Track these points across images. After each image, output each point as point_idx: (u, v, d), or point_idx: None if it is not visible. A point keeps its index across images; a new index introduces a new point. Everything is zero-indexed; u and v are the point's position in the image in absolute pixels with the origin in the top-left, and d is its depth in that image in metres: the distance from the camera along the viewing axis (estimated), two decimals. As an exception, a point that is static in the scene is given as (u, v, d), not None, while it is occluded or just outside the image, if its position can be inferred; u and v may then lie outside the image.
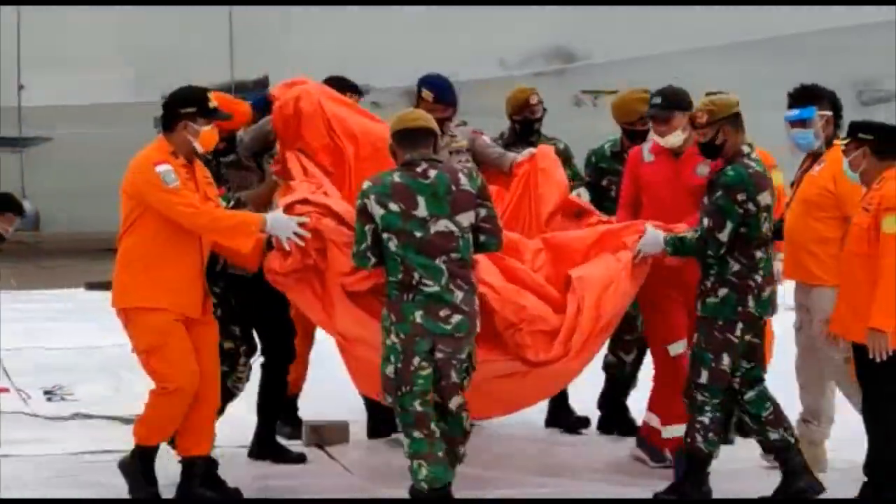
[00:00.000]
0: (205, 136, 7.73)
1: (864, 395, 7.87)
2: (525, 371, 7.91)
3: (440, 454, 7.40)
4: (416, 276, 7.36)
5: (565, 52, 20.03)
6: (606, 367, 9.56)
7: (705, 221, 7.78)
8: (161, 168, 7.53)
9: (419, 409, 7.40)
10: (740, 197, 7.70)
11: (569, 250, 8.32)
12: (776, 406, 7.93)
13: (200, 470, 7.80)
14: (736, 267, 7.78)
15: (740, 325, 7.82)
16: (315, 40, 18.97)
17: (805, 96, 8.52)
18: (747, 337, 7.85)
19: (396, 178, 7.46)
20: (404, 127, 7.61)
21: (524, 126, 9.98)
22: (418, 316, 7.37)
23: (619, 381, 9.67)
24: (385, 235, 7.39)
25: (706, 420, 7.84)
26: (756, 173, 7.80)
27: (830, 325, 7.93)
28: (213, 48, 18.54)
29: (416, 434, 7.39)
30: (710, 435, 7.86)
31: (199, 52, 18.21)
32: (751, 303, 7.80)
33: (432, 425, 7.43)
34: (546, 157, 9.03)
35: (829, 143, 8.35)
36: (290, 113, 8.39)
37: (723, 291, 7.79)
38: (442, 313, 7.38)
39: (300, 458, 8.84)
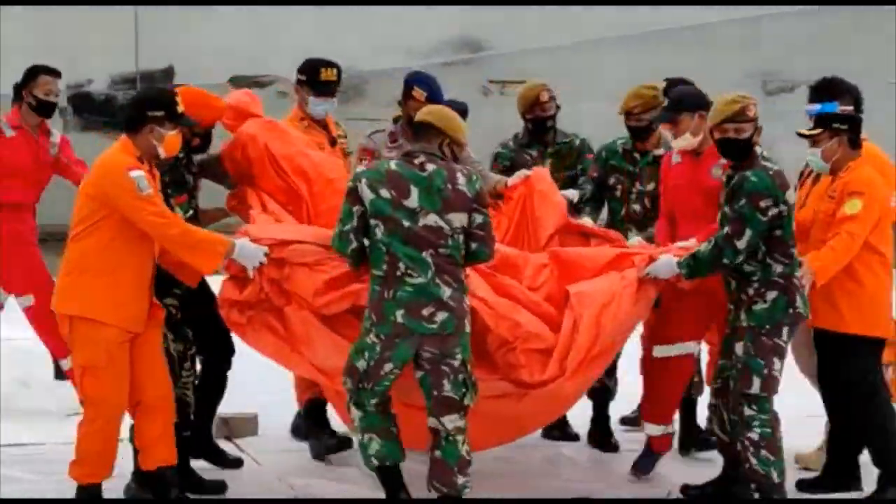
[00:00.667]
0: (169, 142, 7.47)
1: (821, 382, 8.07)
2: (520, 394, 7.61)
3: (394, 430, 7.32)
4: (402, 266, 7.20)
5: (472, 41, 20.05)
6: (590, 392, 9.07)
7: (726, 228, 7.54)
8: (135, 174, 7.27)
9: (373, 408, 7.32)
10: (763, 203, 7.48)
11: (578, 268, 8.05)
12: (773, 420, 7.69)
13: (173, 480, 7.61)
14: (779, 268, 7.57)
15: (786, 329, 7.60)
16: (222, 31, 18.91)
17: (827, 90, 8.43)
18: (789, 339, 7.66)
19: (392, 165, 7.40)
20: (419, 120, 7.61)
21: (536, 125, 9.71)
22: (399, 315, 7.19)
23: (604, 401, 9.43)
24: (373, 222, 7.26)
25: (755, 437, 7.54)
26: (777, 173, 7.59)
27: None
28: (119, 39, 18.42)
29: (370, 409, 7.31)
30: (764, 453, 7.54)
31: (105, 43, 18.08)
32: (798, 302, 7.62)
33: (388, 406, 7.36)
34: (542, 180, 8.83)
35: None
36: (238, 158, 8.27)
37: (771, 295, 7.56)
38: (426, 311, 7.19)
39: (237, 463, 8.68)
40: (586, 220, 8.99)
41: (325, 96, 8.97)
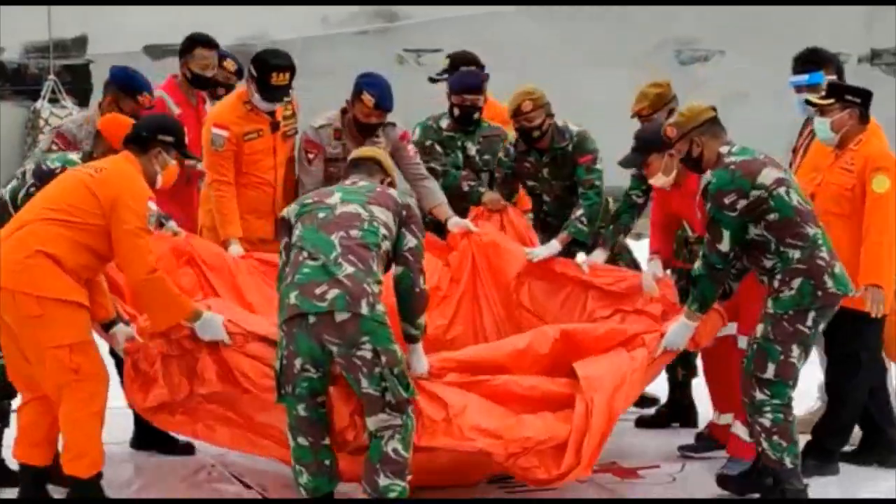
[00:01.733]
0: (169, 171, 7.32)
1: (830, 353, 8.04)
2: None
3: (326, 462, 6.97)
4: (305, 253, 6.90)
5: (387, 11, 20.06)
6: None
7: (706, 238, 7.37)
8: (152, 206, 7.09)
9: (302, 413, 6.93)
10: (727, 200, 7.24)
11: (585, 347, 7.67)
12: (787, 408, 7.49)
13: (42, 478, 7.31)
14: (797, 254, 7.28)
15: (812, 315, 7.31)
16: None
17: (811, 61, 8.41)
18: (819, 327, 7.42)
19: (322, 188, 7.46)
20: (352, 156, 7.55)
21: (523, 134, 8.99)
22: (293, 297, 6.84)
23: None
24: (296, 229, 7.06)
25: (766, 422, 7.34)
26: (740, 164, 7.32)
27: None
28: (31, 7, 18.28)
29: (301, 440, 6.95)
30: (776, 438, 7.34)
31: (17, 11, 17.95)
32: (829, 283, 7.29)
33: (319, 432, 6.96)
34: (487, 233, 8.60)
35: None
36: None
37: (796, 282, 7.28)
38: (318, 290, 6.80)
39: (187, 449, 8.45)
40: (584, 260, 8.74)
41: (275, 100, 8.92)
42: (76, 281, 6.95)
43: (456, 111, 9.49)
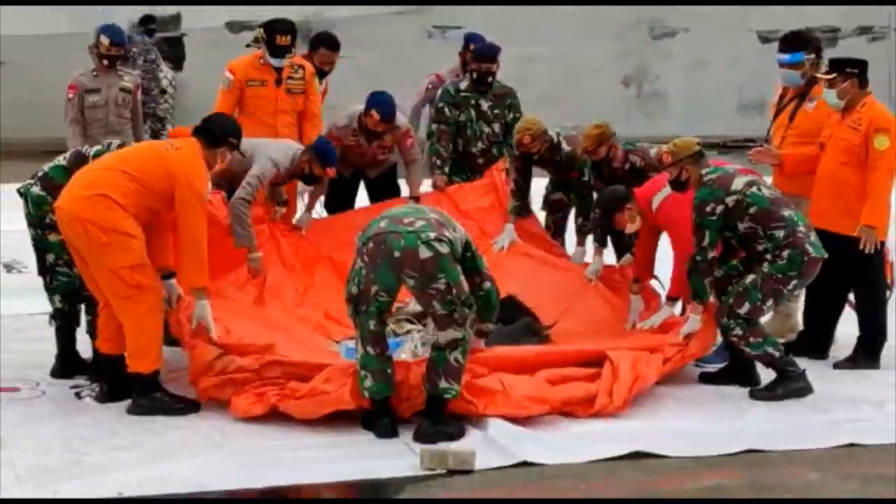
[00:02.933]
0: (221, 168, 7.25)
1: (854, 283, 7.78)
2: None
3: (388, 371, 6.50)
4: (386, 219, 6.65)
5: (419, -5, 19.88)
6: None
7: (694, 239, 7.20)
8: (209, 185, 7.01)
9: (373, 327, 6.49)
10: (709, 209, 7.14)
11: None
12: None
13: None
14: (781, 233, 7.15)
15: (795, 282, 7.23)
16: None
17: (795, 42, 8.20)
18: (797, 288, 7.34)
19: None
20: None
21: (523, 161, 8.67)
22: (383, 223, 6.51)
23: None
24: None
25: (739, 332, 7.15)
26: (715, 180, 7.20)
27: (812, 217, 7.57)
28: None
29: (370, 349, 6.51)
30: (752, 339, 7.17)
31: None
32: (811, 250, 7.17)
33: (385, 344, 6.57)
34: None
35: (814, 80, 8.08)
36: None
37: (786, 253, 7.14)
38: (406, 220, 6.50)
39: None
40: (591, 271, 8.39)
41: (279, 56, 8.83)
42: (135, 220, 6.81)
43: (474, 75, 9.37)
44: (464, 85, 9.40)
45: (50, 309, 7.52)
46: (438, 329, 6.51)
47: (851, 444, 6.52)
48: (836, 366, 7.80)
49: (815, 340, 7.97)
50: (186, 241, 6.89)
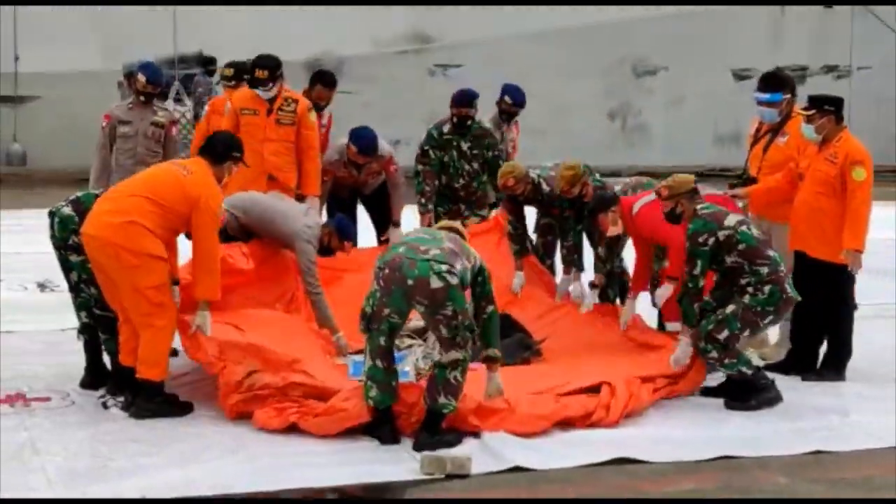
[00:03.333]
0: (226, 183, 7.18)
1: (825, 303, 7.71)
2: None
3: (393, 384, 6.43)
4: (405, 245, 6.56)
5: (423, 35, 19.90)
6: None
7: (686, 267, 7.21)
8: (223, 205, 7.08)
9: (382, 343, 6.43)
10: (701, 239, 7.13)
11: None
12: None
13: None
14: (765, 269, 7.14)
15: (770, 318, 7.21)
16: (237, 22, 18.69)
17: (773, 82, 8.19)
18: (770, 323, 7.27)
19: None
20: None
21: (513, 203, 8.73)
22: (401, 249, 6.45)
23: None
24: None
25: (714, 355, 7.12)
26: (708, 214, 7.23)
27: (791, 241, 7.70)
28: (162, 29, 18.17)
29: (378, 362, 6.43)
30: (727, 360, 7.11)
31: (150, 33, 17.84)
32: (788, 289, 7.19)
33: (392, 359, 6.50)
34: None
35: (786, 119, 8.07)
36: None
37: (767, 288, 7.12)
38: (423, 247, 6.42)
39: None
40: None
41: (259, 87, 8.85)
42: (161, 242, 6.84)
43: (455, 119, 9.46)
44: (446, 128, 9.49)
45: (78, 324, 7.51)
46: (443, 349, 6.46)
47: (819, 451, 6.50)
48: (805, 378, 7.78)
49: (802, 359, 7.91)
50: (204, 257, 6.92)
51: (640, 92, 20.68)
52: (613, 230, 7.96)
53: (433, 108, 19.22)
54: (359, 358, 7.35)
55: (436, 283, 6.33)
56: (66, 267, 7.37)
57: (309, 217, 8.00)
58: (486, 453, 6.23)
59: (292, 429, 6.56)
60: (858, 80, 21.18)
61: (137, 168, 8.23)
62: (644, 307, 8.26)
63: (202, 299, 6.99)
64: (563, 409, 6.73)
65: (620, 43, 19.98)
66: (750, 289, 7.17)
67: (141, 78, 8.98)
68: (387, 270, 6.42)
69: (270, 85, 8.84)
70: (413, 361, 7.40)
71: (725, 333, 7.12)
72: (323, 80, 9.47)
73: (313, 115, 9.06)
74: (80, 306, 7.38)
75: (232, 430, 6.56)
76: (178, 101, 18.00)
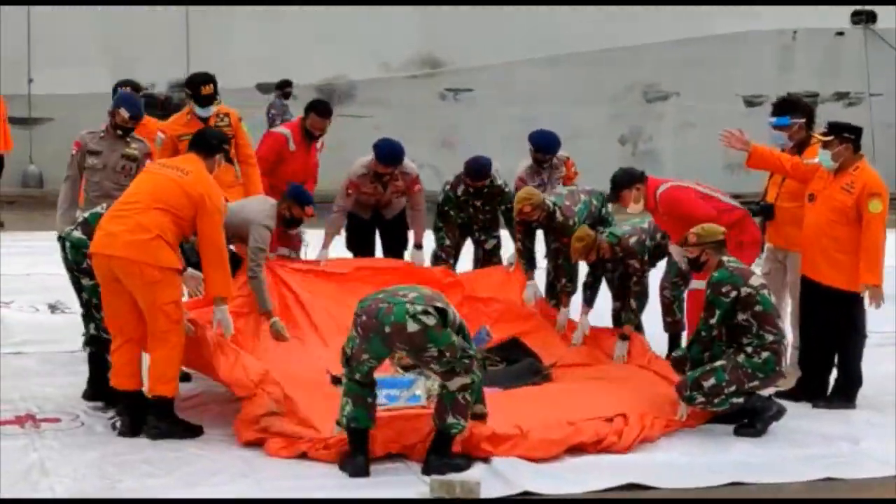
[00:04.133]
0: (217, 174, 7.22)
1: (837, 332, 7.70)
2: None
3: (369, 399, 6.32)
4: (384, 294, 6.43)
5: (433, 59, 19.92)
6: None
7: (703, 313, 7.18)
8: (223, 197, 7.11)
9: (357, 378, 6.31)
10: (724, 290, 7.10)
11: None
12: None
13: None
14: (770, 337, 7.12)
15: (757, 383, 7.13)
16: (249, 46, 18.75)
17: (784, 107, 8.16)
18: (757, 389, 7.17)
19: None
20: None
21: (523, 227, 8.81)
22: (381, 295, 6.35)
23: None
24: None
25: (701, 400, 7.09)
26: (736, 269, 7.20)
27: (803, 268, 7.70)
28: (173, 52, 18.23)
29: (355, 382, 6.34)
30: (716, 400, 7.07)
31: (162, 55, 17.90)
32: (784, 363, 7.28)
33: (370, 381, 6.37)
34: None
35: (803, 144, 7.97)
36: None
37: (765, 355, 7.11)
38: (402, 292, 6.35)
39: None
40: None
41: (205, 105, 8.76)
42: (177, 254, 6.87)
43: (471, 189, 9.33)
44: (460, 190, 9.37)
45: (86, 335, 7.51)
46: (445, 381, 6.36)
47: (828, 479, 6.47)
48: (815, 405, 7.75)
49: (811, 386, 7.87)
50: (213, 254, 6.91)
51: (650, 117, 20.68)
52: (634, 207, 8.00)
53: (444, 132, 19.29)
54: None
55: (412, 326, 6.20)
56: (79, 288, 7.40)
57: (268, 207, 7.99)
58: (496, 478, 6.22)
59: (302, 454, 6.55)
60: (871, 107, 21.16)
61: (103, 202, 7.60)
62: (655, 333, 8.22)
63: (216, 296, 6.99)
64: (576, 434, 6.71)
65: (631, 68, 19.99)
66: (749, 349, 7.15)
67: (123, 113, 8.17)
68: (364, 317, 6.32)
69: (218, 99, 8.81)
70: (424, 385, 7.38)
71: (712, 382, 7.08)
72: (317, 110, 9.32)
73: (243, 128, 9.01)
74: (89, 318, 7.39)
75: (242, 454, 6.56)
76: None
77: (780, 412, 7.19)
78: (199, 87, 8.72)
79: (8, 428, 6.93)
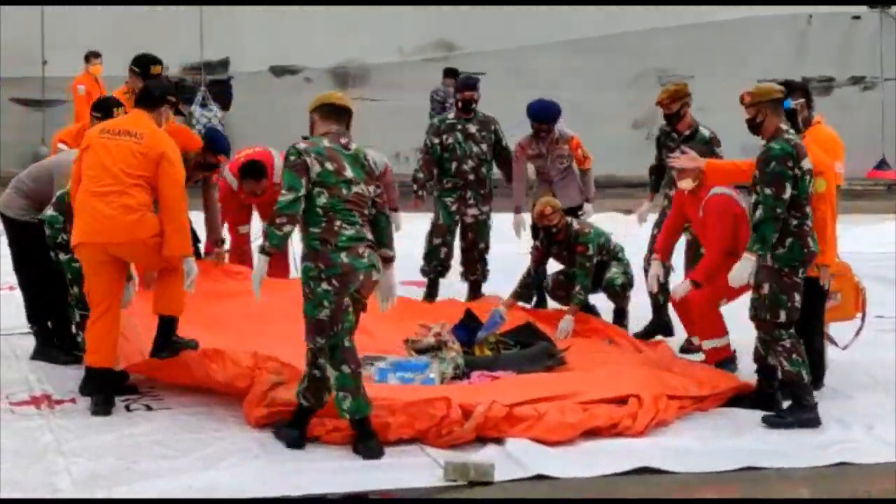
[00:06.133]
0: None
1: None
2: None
3: (361, 388, 6.32)
4: (338, 223, 6.29)
5: (447, 43, 19.92)
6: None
7: (767, 190, 6.83)
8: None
9: (347, 344, 6.27)
10: (790, 163, 6.86)
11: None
12: (798, 338, 7.04)
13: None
14: (794, 221, 6.92)
15: (801, 269, 6.98)
16: (263, 30, 18.76)
17: (785, 91, 7.87)
18: (803, 276, 7.02)
19: (327, 143, 6.40)
20: (331, 102, 6.58)
21: (544, 231, 8.90)
22: (344, 257, 6.25)
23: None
24: (316, 190, 6.32)
25: (787, 344, 6.93)
26: (797, 144, 6.95)
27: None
28: (187, 35, 18.24)
29: (345, 369, 6.25)
30: (794, 356, 6.91)
31: (176, 38, 17.90)
32: (811, 243, 6.98)
33: (358, 361, 6.35)
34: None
35: (806, 124, 7.86)
36: None
37: (788, 241, 6.90)
38: (360, 250, 6.30)
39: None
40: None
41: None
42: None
43: (459, 104, 9.85)
44: (451, 115, 9.89)
45: (77, 318, 7.58)
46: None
47: (842, 463, 6.48)
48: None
49: (811, 371, 7.84)
50: (173, 212, 6.96)
51: (666, 102, 20.69)
52: (687, 184, 7.84)
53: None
54: (383, 365, 7.38)
55: (377, 276, 6.40)
56: (60, 268, 7.50)
57: None
58: (510, 461, 6.24)
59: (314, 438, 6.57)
60: (884, 91, 21.07)
61: None
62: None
63: (178, 255, 7.02)
64: (591, 418, 6.72)
65: (645, 52, 19.95)
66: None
67: (222, 157, 8.68)
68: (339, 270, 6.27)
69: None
70: (437, 368, 7.42)
71: (783, 314, 6.90)
72: (251, 174, 9.19)
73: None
74: (74, 306, 7.50)
75: (256, 435, 6.58)
76: (203, 106, 18.10)
77: (815, 422, 6.97)
78: (149, 66, 8.83)
79: (23, 409, 6.98)
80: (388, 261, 6.58)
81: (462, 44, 19.79)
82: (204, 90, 18.29)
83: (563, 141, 9.66)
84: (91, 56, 10.83)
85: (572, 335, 8.47)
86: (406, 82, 18.97)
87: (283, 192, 6.31)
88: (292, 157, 6.34)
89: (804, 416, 6.98)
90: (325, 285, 6.25)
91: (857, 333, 7.95)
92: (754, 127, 7.10)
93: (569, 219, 8.91)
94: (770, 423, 6.97)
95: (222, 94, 18.81)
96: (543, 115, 9.58)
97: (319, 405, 6.43)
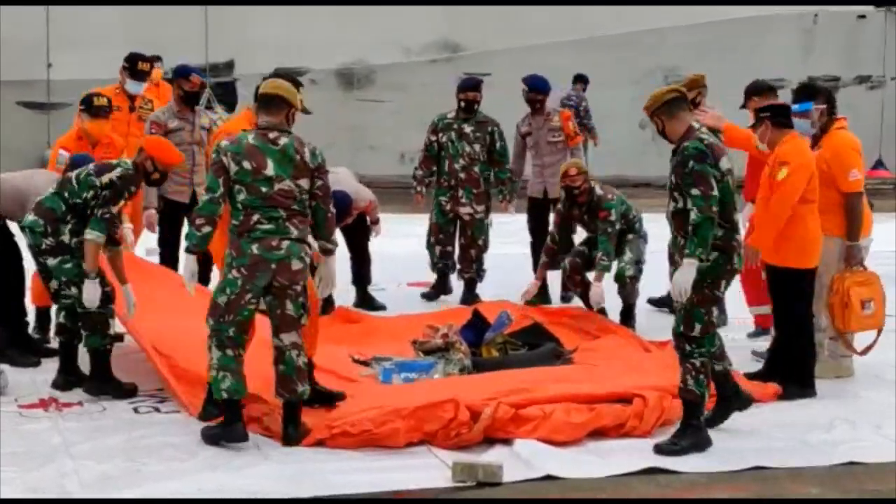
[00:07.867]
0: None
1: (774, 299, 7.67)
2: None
3: (241, 372, 6.39)
4: (255, 218, 6.33)
5: (452, 43, 19.93)
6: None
7: (695, 191, 6.34)
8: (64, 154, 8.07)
9: (232, 334, 6.37)
10: (708, 161, 6.38)
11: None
12: (721, 342, 6.85)
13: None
14: (721, 232, 6.46)
15: (724, 283, 6.60)
16: (268, 32, 18.78)
17: (805, 93, 8.02)
18: (726, 291, 6.80)
19: (250, 139, 6.39)
20: (263, 93, 6.53)
21: (566, 192, 8.97)
22: (255, 248, 6.31)
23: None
24: (236, 188, 6.35)
25: (697, 363, 6.51)
26: (710, 143, 6.47)
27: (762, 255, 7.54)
28: (192, 37, 18.28)
29: (229, 352, 6.36)
30: (701, 377, 6.52)
31: (181, 40, 17.93)
32: (735, 260, 6.57)
33: (240, 350, 6.42)
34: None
35: (823, 129, 7.85)
36: None
37: (713, 255, 6.44)
38: (273, 243, 6.32)
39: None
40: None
41: (139, 80, 9.24)
42: None
43: (461, 104, 9.90)
44: (451, 114, 9.96)
45: (55, 325, 7.59)
46: (284, 331, 6.41)
47: (851, 463, 6.48)
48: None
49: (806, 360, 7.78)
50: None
51: (670, 101, 20.69)
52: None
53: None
54: (388, 365, 7.39)
55: (297, 264, 6.38)
56: (46, 275, 7.38)
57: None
58: (518, 461, 6.25)
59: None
60: (887, 90, 21.05)
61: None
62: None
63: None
64: (598, 418, 6.72)
65: (651, 52, 19.96)
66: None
67: (195, 78, 9.18)
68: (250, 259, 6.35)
69: (149, 79, 9.41)
70: (443, 369, 7.43)
71: (698, 327, 6.52)
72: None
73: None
74: (59, 309, 7.42)
75: (264, 437, 6.60)
76: (208, 108, 18.13)
77: (702, 427, 6.65)
78: (137, 62, 9.26)
79: (32, 411, 7.01)
80: (326, 252, 6.64)
81: (468, 44, 19.81)
82: (209, 93, 18.31)
83: (554, 113, 10.08)
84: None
85: (582, 334, 8.47)
86: (412, 83, 18.98)
87: (203, 193, 6.54)
88: (213, 157, 6.51)
89: (697, 438, 6.58)
90: (234, 273, 6.39)
91: (876, 339, 7.92)
92: (665, 137, 6.67)
93: (592, 182, 8.96)
94: (663, 451, 6.49)
95: (227, 96, 18.83)
96: (536, 82, 10.08)
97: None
